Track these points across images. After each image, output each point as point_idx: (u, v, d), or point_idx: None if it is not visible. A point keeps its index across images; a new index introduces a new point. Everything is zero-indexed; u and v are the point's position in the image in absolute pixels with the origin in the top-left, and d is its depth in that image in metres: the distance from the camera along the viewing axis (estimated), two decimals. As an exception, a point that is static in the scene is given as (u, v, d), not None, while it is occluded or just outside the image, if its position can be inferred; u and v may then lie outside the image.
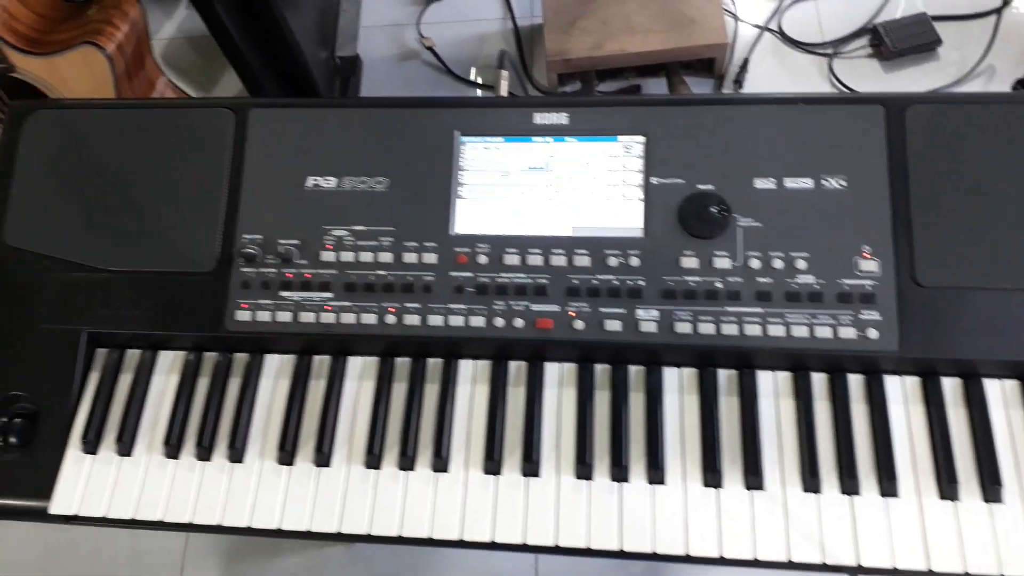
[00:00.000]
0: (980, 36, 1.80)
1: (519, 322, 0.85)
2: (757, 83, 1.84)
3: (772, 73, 1.86)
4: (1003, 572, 0.75)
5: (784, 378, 0.84)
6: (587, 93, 1.80)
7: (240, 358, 0.90)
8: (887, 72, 1.84)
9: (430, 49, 1.94)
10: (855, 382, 0.83)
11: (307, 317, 0.87)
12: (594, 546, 0.79)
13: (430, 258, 0.88)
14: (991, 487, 0.77)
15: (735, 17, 1.90)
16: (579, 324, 0.84)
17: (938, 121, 0.84)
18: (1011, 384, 0.82)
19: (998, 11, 1.79)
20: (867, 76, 1.83)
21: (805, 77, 1.85)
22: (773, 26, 1.90)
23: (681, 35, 1.74)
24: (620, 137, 0.89)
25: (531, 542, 0.80)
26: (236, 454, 0.85)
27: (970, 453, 0.79)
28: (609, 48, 1.74)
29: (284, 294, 0.88)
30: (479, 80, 1.94)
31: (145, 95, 1.26)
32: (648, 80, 1.86)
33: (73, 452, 0.87)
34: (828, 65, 1.84)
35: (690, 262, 0.84)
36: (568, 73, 1.81)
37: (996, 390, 0.81)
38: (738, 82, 1.82)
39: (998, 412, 0.80)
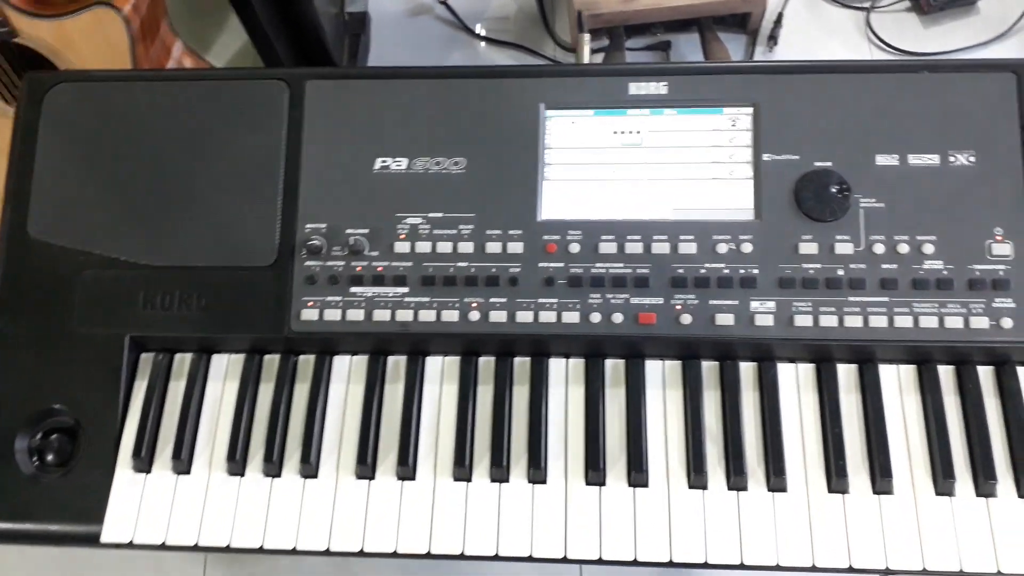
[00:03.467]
0: (1022, -13, 1.72)
1: (618, 317, 0.77)
2: (792, 39, 1.75)
3: (807, 28, 1.77)
4: None
5: (907, 371, 0.78)
6: (616, 49, 1.70)
7: (305, 360, 0.82)
8: (926, 27, 1.75)
9: (444, 3, 1.82)
10: (983, 374, 0.77)
11: (381, 315, 0.79)
12: (712, 560, 0.72)
13: (516, 248, 0.79)
14: None
15: (767, -32, 1.80)
16: (686, 318, 0.76)
17: (1076, 89, 0.77)
18: None
19: (1040, -39, 1.71)
20: (906, 31, 1.75)
21: (841, 32, 1.76)
22: (806, -22, 1.81)
23: (717, -12, 1.64)
24: (726, 108, 0.80)
25: (641, 559, 0.73)
26: (310, 469, 0.77)
27: (1113, 450, 0.74)
28: (642, 2, 1.64)
29: (355, 290, 0.79)
30: (484, 33, 1.83)
31: (161, 63, 1.14)
32: (679, 36, 1.76)
33: (123, 471, 0.78)
34: (865, 20, 1.76)
35: (809, 248, 0.76)
36: (594, 29, 1.71)
37: None
38: (773, 38, 1.73)
39: None
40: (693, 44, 1.75)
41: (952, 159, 0.77)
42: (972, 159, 0.77)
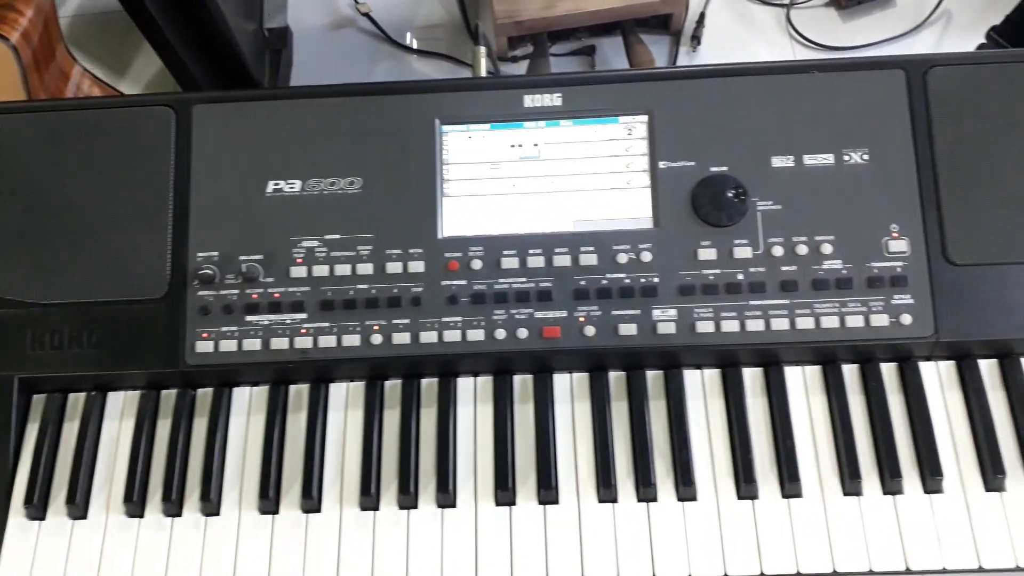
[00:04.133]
0: (935, -20, 1.76)
1: (523, 332, 0.76)
2: (714, 38, 1.76)
3: (729, 27, 1.78)
4: (1054, 562, 0.71)
5: (813, 372, 0.77)
6: (540, 56, 1.69)
7: (204, 394, 0.79)
8: (845, 22, 1.78)
9: (367, 15, 1.80)
10: (886, 371, 0.77)
11: (279, 343, 0.77)
12: (624, 575, 0.72)
13: (417, 266, 0.77)
14: (1040, 475, 0.72)
15: (688, -31, 1.81)
16: (590, 330, 0.76)
17: (963, 84, 0.78)
18: (1049, 362, 0.77)
19: (952, -47, 1.74)
20: (825, 26, 1.77)
21: (763, 30, 1.77)
22: (727, -23, 1.82)
23: (637, -9, 1.64)
24: (621, 117, 0.79)
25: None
26: (210, 507, 0.74)
27: (1013, 439, 0.74)
28: (563, 7, 1.63)
29: (250, 318, 0.77)
30: (415, 44, 1.81)
31: (59, 89, 1.10)
32: (602, 40, 1.76)
33: (16, 520, 0.75)
34: (786, 16, 1.77)
35: (708, 254, 0.76)
36: (518, 36, 1.70)
37: (1034, 370, 0.77)
38: (695, 38, 1.74)
39: (1038, 393, 0.76)
40: (617, 48, 1.75)
41: (847, 158, 0.77)
42: (866, 157, 0.77)
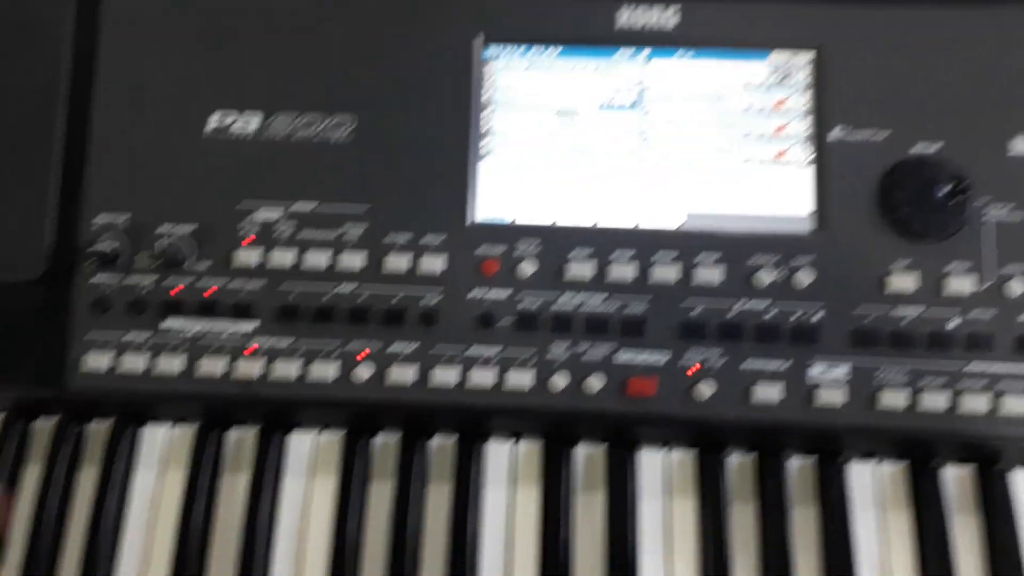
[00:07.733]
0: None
1: (595, 382, 0.49)
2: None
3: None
4: None
5: (1055, 483, 0.50)
6: None
7: (98, 431, 0.52)
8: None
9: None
10: None
11: (211, 365, 0.50)
12: None
13: (433, 264, 0.50)
14: None
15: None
16: (705, 389, 0.48)
17: None
18: None
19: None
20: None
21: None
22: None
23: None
24: (773, 52, 0.51)
25: None
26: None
27: None
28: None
29: (170, 324, 0.51)
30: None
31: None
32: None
33: None
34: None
35: (903, 282, 0.48)
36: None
37: None
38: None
39: None
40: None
41: None
42: None
